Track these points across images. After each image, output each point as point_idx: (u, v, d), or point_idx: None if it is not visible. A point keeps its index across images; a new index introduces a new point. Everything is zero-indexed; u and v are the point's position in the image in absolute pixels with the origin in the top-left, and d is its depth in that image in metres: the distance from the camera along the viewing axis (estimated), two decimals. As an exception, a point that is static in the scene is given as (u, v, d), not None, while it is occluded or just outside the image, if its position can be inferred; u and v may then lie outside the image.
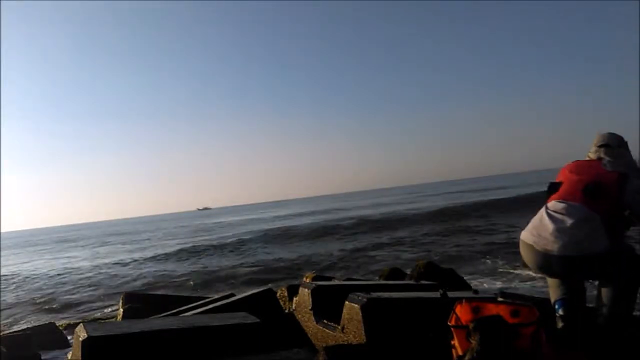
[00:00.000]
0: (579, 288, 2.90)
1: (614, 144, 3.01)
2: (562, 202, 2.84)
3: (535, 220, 2.92)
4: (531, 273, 8.04)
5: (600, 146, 3.03)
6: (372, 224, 22.09)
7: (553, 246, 2.73)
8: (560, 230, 2.73)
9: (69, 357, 2.83)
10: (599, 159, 3.00)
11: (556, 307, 2.91)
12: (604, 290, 2.78)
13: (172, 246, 22.67)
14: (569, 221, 2.72)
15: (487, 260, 10.08)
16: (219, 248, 19.47)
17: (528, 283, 7.70)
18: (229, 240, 21.73)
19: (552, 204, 2.89)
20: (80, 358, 2.39)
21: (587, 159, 3.10)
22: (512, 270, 8.99)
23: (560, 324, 2.83)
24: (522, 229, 3.00)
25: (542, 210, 2.92)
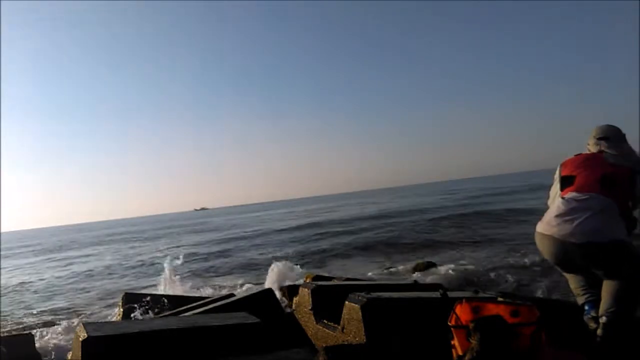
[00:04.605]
0: (597, 283, 2.85)
1: (613, 137, 3.01)
2: (580, 193, 2.84)
3: (552, 211, 2.90)
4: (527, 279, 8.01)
5: (599, 139, 3.03)
6: (371, 223, 22.03)
7: (575, 235, 2.71)
8: (580, 218, 2.72)
9: (69, 357, 2.83)
10: (600, 152, 3.00)
11: (586, 308, 2.89)
12: (611, 285, 2.74)
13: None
14: (589, 210, 2.73)
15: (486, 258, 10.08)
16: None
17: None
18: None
19: (570, 194, 2.88)
20: (80, 358, 2.39)
21: (587, 151, 3.09)
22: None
23: (592, 326, 2.80)
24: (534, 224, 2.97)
25: (559, 201, 2.90)
